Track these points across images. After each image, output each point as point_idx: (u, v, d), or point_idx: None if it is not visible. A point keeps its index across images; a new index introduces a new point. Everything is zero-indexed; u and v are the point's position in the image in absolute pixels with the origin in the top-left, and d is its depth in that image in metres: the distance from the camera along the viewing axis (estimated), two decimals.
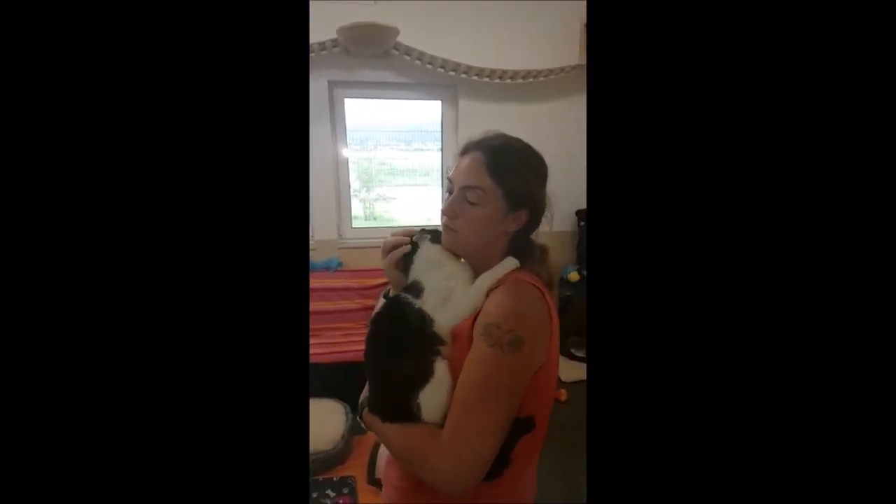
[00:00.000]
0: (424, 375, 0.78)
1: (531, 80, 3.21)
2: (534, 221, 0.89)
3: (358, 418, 0.88)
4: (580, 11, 3.20)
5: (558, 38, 3.23)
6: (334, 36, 2.82)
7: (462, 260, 0.89)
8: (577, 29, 3.25)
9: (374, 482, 2.09)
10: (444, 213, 0.86)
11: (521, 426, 0.76)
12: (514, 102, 3.30)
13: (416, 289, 0.85)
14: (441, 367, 0.78)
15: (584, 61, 3.22)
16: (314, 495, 2.06)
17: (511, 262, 0.85)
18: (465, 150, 0.88)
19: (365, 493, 2.08)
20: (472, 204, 0.83)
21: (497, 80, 3.17)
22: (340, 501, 2.03)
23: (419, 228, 0.94)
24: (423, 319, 0.82)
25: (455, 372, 0.77)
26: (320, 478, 2.17)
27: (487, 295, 0.81)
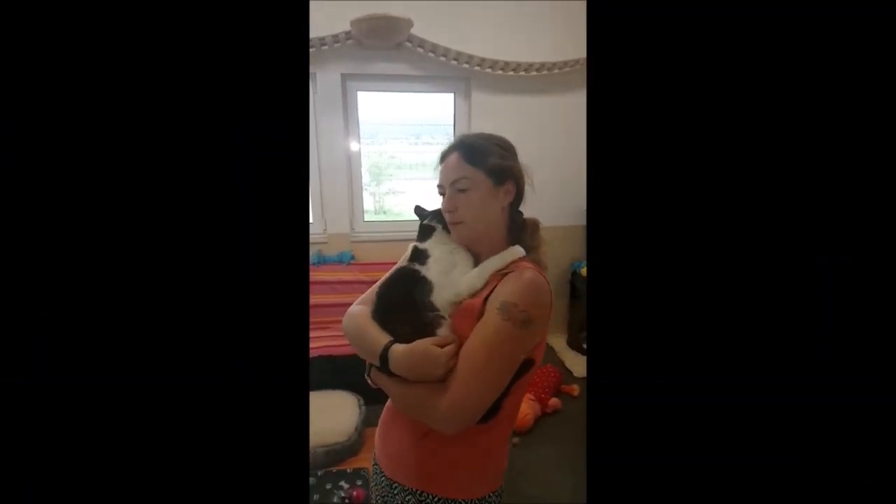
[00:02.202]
0: (426, 335, 0.91)
1: (545, 72, 3.19)
2: (520, 190, 1.03)
3: (366, 377, 1.01)
4: None
5: (572, 30, 3.20)
6: (348, 28, 2.82)
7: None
8: None
9: None
10: (444, 211, 1.01)
11: (523, 366, 0.92)
12: (528, 95, 3.29)
13: (423, 255, 1.01)
14: (445, 329, 0.92)
15: None
16: (328, 486, 2.08)
17: (517, 251, 0.98)
18: (443, 157, 1.04)
19: None
20: (463, 191, 0.97)
21: (511, 73, 3.16)
22: (354, 493, 2.05)
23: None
24: (425, 287, 0.96)
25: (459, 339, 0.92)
26: (334, 469, 2.19)
27: (492, 279, 0.95)
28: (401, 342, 0.92)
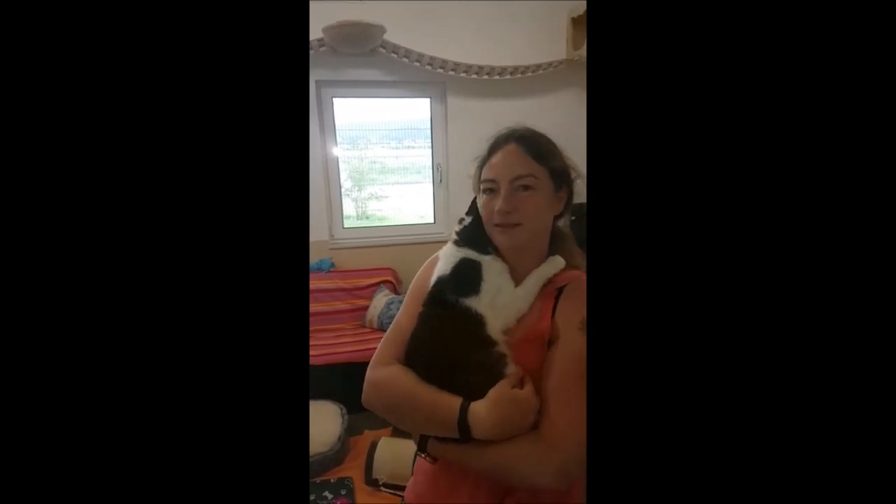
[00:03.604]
0: (497, 378, 0.77)
1: (519, 75, 3.21)
2: (570, 199, 0.90)
3: (421, 455, 0.82)
4: (567, 6, 3.20)
5: (545, 33, 3.23)
6: (320, 35, 2.80)
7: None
8: (564, 24, 3.25)
9: (372, 482, 2.08)
10: (500, 210, 0.82)
11: None
12: (503, 98, 3.30)
13: (476, 281, 0.82)
14: (511, 366, 0.78)
15: (571, 56, 3.22)
16: (312, 497, 2.05)
17: (559, 261, 0.86)
18: (496, 147, 0.87)
19: (362, 494, 2.08)
20: (527, 190, 0.82)
21: (485, 77, 3.17)
22: (338, 503, 2.03)
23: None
24: (477, 321, 0.81)
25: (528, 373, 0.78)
26: (318, 480, 2.16)
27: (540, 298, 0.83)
28: (472, 398, 0.76)
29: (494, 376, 0.77)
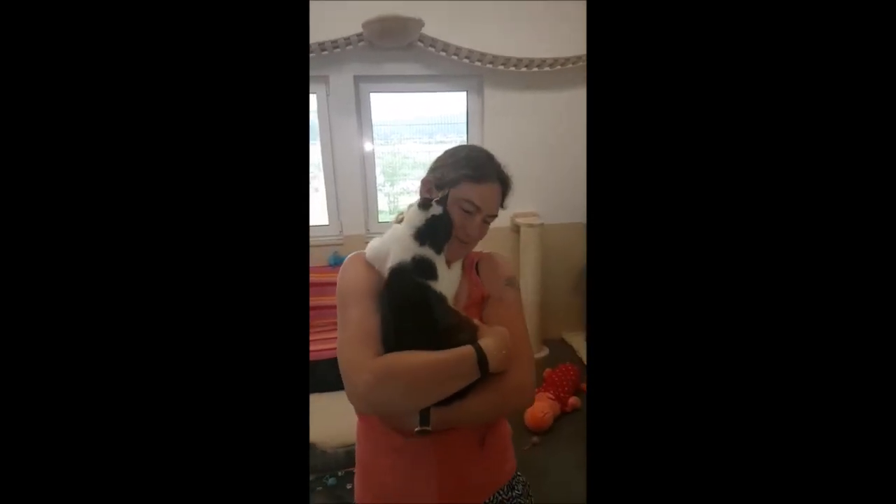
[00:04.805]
0: (475, 333, 0.90)
1: (558, 67, 3.16)
2: None
3: (425, 428, 0.85)
4: None
5: (583, 25, 3.18)
6: (359, 30, 2.82)
7: None
8: None
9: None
10: (472, 236, 1.01)
11: None
12: (540, 91, 3.26)
13: (434, 271, 0.94)
14: (478, 322, 0.94)
15: None
16: (349, 487, 2.08)
17: None
18: (484, 175, 1.00)
19: None
20: (486, 224, 1.02)
21: (523, 69, 3.14)
22: None
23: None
24: (443, 299, 0.93)
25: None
26: (341, 472, 2.19)
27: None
28: None
29: (472, 331, 0.90)
